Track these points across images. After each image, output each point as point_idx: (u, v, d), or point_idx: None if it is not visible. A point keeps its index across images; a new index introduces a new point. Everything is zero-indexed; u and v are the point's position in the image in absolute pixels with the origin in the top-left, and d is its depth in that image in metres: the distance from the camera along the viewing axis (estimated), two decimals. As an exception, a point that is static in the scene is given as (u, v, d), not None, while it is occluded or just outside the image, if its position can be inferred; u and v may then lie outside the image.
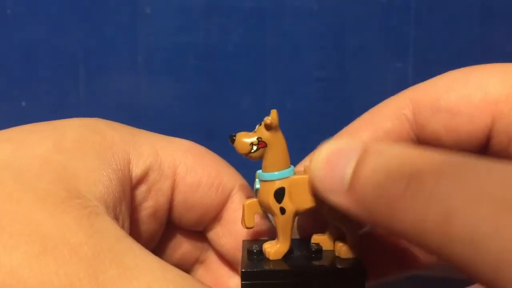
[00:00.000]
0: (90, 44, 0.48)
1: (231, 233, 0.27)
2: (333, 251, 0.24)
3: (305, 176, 0.23)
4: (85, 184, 0.21)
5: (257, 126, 0.23)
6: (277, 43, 0.48)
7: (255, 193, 0.24)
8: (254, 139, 0.23)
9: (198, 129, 0.48)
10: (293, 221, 0.23)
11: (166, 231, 0.27)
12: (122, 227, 0.22)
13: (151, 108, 0.49)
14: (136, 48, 0.48)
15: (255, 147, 0.23)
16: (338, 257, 0.24)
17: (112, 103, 0.49)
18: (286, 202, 0.23)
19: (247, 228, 0.24)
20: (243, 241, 0.25)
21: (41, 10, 0.47)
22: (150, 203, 0.25)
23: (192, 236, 0.28)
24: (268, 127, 0.23)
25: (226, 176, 0.26)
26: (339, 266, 0.23)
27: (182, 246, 0.28)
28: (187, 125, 0.48)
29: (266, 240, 0.25)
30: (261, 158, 0.23)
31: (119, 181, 0.22)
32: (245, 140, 0.23)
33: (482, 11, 0.48)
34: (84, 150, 0.22)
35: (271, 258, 0.23)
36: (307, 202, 0.23)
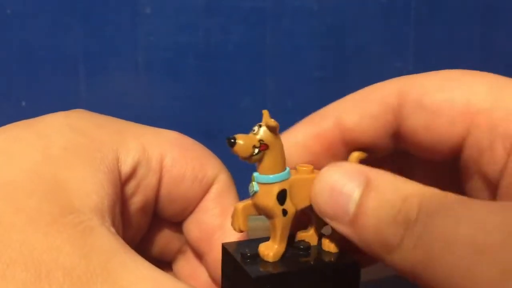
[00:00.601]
0: (90, 44, 0.48)
1: (198, 221, 0.27)
2: (319, 246, 0.24)
3: (303, 177, 0.23)
4: (77, 197, 0.21)
5: (255, 128, 0.23)
6: (277, 43, 0.48)
7: (251, 195, 0.23)
8: (255, 141, 0.22)
9: (198, 129, 0.48)
10: (291, 222, 0.23)
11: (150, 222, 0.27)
12: (117, 229, 0.22)
13: (151, 108, 0.49)
14: (136, 48, 0.48)
15: (257, 150, 0.22)
16: (329, 252, 0.24)
17: (112, 103, 0.49)
18: (288, 204, 0.23)
19: (240, 231, 0.23)
20: (223, 244, 0.25)
21: (41, 10, 0.47)
22: (139, 198, 0.25)
23: (173, 227, 0.28)
24: (273, 129, 0.22)
25: (211, 169, 0.27)
26: (337, 262, 0.23)
27: (165, 237, 0.28)
28: (187, 125, 0.48)
29: (248, 242, 0.24)
30: (259, 160, 0.23)
31: (111, 184, 0.22)
32: (247, 142, 0.22)
33: (482, 11, 0.48)
34: (73, 157, 0.22)
35: (271, 260, 0.23)
36: (304, 201, 0.23)
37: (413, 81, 0.25)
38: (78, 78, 0.48)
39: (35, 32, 0.47)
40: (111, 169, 0.23)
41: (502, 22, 0.49)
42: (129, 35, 0.48)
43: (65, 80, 0.49)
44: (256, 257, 0.23)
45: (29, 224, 0.19)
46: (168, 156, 0.26)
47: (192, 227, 0.27)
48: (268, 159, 0.22)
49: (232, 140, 0.22)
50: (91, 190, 0.21)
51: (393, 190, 0.21)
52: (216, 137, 0.47)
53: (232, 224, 0.23)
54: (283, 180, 0.23)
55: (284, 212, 0.23)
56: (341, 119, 0.26)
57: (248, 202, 0.23)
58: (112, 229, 0.21)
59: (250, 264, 0.23)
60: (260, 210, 0.23)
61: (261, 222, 0.25)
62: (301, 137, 0.26)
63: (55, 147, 0.22)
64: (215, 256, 0.26)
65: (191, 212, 0.27)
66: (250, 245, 0.24)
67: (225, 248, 0.24)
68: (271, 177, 0.23)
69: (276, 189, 0.23)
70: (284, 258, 0.23)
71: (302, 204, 0.23)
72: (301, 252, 0.24)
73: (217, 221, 0.27)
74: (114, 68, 0.48)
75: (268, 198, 0.23)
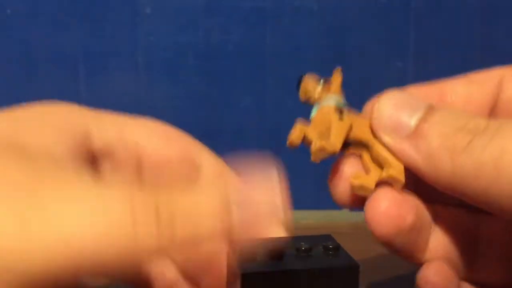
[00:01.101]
0: (90, 44, 0.48)
1: None
2: (321, 249, 0.24)
3: (360, 118, 0.24)
4: (34, 146, 0.20)
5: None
6: (277, 43, 0.48)
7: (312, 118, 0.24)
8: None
9: (198, 129, 0.48)
10: (348, 132, 0.23)
11: None
12: None
13: (151, 108, 0.49)
14: (136, 48, 0.48)
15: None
16: (330, 254, 0.24)
17: (112, 103, 0.49)
18: (345, 115, 0.24)
19: (291, 145, 0.24)
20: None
21: (41, 10, 0.47)
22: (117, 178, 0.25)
23: None
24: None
25: (195, 150, 0.26)
26: (334, 263, 0.23)
27: None
28: (187, 125, 0.48)
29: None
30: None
31: (77, 147, 0.22)
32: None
33: (482, 11, 0.48)
34: (39, 125, 0.22)
35: (312, 150, 0.23)
36: (363, 134, 0.23)
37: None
38: (78, 78, 0.48)
39: (35, 32, 0.47)
40: (78, 138, 0.23)
41: (502, 22, 0.49)
42: (129, 35, 0.48)
43: (65, 80, 0.49)
44: (254, 256, 0.23)
45: None
46: (148, 141, 0.26)
47: None
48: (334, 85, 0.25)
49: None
50: (52, 142, 0.21)
51: (458, 112, 0.22)
52: (216, 137, 0.47)
53: (289, 136, 0.24)
54: (345, 107, 0.24)
55: (341, 117, 0.23)
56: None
57: (307, 123, 0.24)
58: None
59: (245, 262, 0.23)
60: (318, 125, 0.24)
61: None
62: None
63: (21, 117, 0.22)
64: None
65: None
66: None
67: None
68: (332, 99, 0.24)
69: (334, 107, 0.24)
70: (282, 258, 0.23)
71: (361, 134, 0.23)
72: (302, 254, 0.24)
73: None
74: (114, 68, 0.48)
75: (327, 109, 0.24)
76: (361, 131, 0.23)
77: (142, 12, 0.47)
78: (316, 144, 0.23)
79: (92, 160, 0.23)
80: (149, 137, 0.26)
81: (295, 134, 0.23)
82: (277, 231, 0.20)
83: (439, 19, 0.48)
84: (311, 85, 0.23)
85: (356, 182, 0.23)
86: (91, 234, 0.18)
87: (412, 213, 0.22)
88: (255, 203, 0.20)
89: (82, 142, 0.23)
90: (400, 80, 0.48)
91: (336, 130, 0.23)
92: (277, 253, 0.24)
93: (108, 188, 0.19)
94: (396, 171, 0.22)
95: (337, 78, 0.24)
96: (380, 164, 0.23)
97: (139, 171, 0.25)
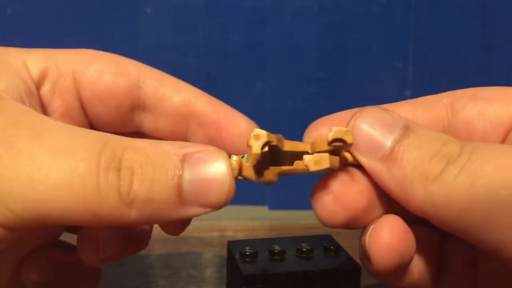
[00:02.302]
0: (90, 44, 0.48)
1: (164, 112, 0.27)
2: (321, 250, 0.24)
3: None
4: None
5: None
6: (277, 43, 0.48)
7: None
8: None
9: (198, 129, 0.48)
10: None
11: None
12: None
13: (151, 108, 0.49)
14: (136, 48, 0.48)
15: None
16: (331, 255, 0.24)
17: (112, 103, 0.49)
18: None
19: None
20: (229, 241, 0.25)
21: (41, 10, 0.47)
22: (58, 103, 0.26)
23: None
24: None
25: (129, 65, 0.27)
26: (336, 265, 0.23)
27: None
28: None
29: (252, 241, 0.24)
30: None
31: (21, 80, 0.23)
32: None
33: (483, 11, 0.48)
34: None
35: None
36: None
37: (460, 90, 0.26)
38: (78, 78, 0.48)
39: (35, 32, 0.47)
40: (18, 69, 0.23)
41: (502, 22, 0.49)
42: (129, 35, 0.48)
43: (65, 80, 0.49)
44: (255, 256, 0.23)
45: None
46: (80, 60, 0.26)
47: (162, 121, 0.27)
48: None
49: None
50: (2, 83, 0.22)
51: (434, 134, 0.21)
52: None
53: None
54: None
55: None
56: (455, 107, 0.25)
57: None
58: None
59: (246, 263, 0.23)
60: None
61: (261, 222, 0.25)
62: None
63: None
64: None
65: (128, 110, 0.27)
66: (252, 244, 0.24)
67: (228, 246, 0.24)
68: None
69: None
70: (283, 259, 0.23)
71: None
72: (303, 255, 0.24)
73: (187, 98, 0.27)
74: (114, 68, 0.48)
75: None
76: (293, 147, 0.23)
77: (142, 12, 0.47)
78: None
79: (33, 92, 0.24)
80: (80, 55, 0.26)
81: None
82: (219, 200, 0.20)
83: (439, 19, 0.48)
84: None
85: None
86: (58, 180, 0.18)
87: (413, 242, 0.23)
88: (206, 169, 0.20)
89: (27, 76, 0.24)
90: (400, 80, 0.48)
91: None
92: (278, 254, 0.24)
93: (78, 137, 0.19)
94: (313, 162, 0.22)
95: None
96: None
97: (78, 91, 0.26)
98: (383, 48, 0.49)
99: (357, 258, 0.24)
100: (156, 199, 0.19)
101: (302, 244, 0.24)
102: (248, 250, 0.23)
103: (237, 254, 0.23)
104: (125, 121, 0.27)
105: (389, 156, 0.21)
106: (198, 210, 0.20)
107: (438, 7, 0.48)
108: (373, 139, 0.22)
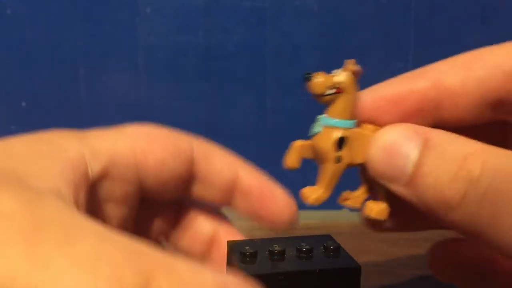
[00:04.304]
0: (90, 44, 0.48)
1: (213, 185, 0.27)
2: (321, 250, 0.24)
3: (366, 132, 0.23)
4: (32, 176, 0.19)
5: (335, 70, 0.23)
6: (277, 43, 0.48)
7: (311, 136, 0.23)
8: (331, 83, 0.22)
9: (198, 129, 0.48)
10: (342, 173, 0.23)
11: (139, 211, 0.27)
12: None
13: (151, 108, 0.49)
14: (136, 48, 0.48)
15: (331, 91, 0.22)
16: (331, 255, 0.24)
17: (112, 103, 0.49)
18: (345, 152, 0.23)
19: (289, 168, 0.23)
20: (228, 241, 0.25)
21: (41, 10, 0.47)
22: (117, 193, 0.25)
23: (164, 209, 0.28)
24: (356, 74, 0.23)
25: (182, 143, 0.26)
26: (336, 265, 0.23)
27: (156, 221, 0.28)
28: (187, 125, 0.48)
29: (251, 241, 0.24)
30: (328, 102, 0.23)
31: (75, 173, 0.21)
32: (323, 81, 0.22)
33: (482, 11, 0.48)
34: (35, 155, 0.21)
35: (310, 202, 0.23)
36: (359, 157, 0.23)
37: None
38: (78, 78, 0.48)
39: (35, 32, 0.47)
40: (74, 165, 0.22)
41: (502, 22, 0.49)
42: (129, 35, 0.48)
43: (65, 80, 0.49)
44: (254, 256, 0.23)
45: None
46: (140, 149, 0.25)
47: (209, 190, 0.27)
48: (339, 104, 0.23)
49: (308, 75, 0.22)
50: (51, 175, 0.20)
51: (453, 149, 0.20)
52: (216, 137, 0.47)
53: (284, 159, 0.23)
54: (346, 128, 0.23)
55: (338, 159, 0.23)
56: (441, 80, 0.25)
57: (306, 142, 0.23)
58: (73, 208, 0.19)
59: (246, 263, 0.23)
60: (316, 152, 0.23)
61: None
62: (392, 91, 0.25)
63: (15, 148, 0.21)
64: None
65: (183, 185, 0.27)
66: (252, 244, 0.24)
67: (228, 246, 0.24)
68: (336, 121, 0.23)
69: (337, 134, 0.23)
70: (283, 258, 0.23)
71: (357, 159, 0.23)
72: (303, 255, 0.24)
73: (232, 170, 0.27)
74: (114, 68, 0.48)
75: (327, 141, 0.23)
76: (357, 157, 0.23)
77: (142, 12, 0.47)
78: (311, 197, 0.23)
79: (90, 183, 0.23)
80: (139, 142, 0.25)
81: (291, 158, 0.23)
82: None
83: (439, 19, 0.48)
84: (323, 83, 0.22)
85: (345, 203, 0.24)
86: None
87: None
88: None
89: (79, 168, 0.22)
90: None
91: (329, 177, 0.23)
92: (277, 254, 0.24)
93: (107, 247, 0.16)
94: (375, 212, 0.23)
95: (348, 77, 0.23)
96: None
97: (140, 179, 0.25)
98: (383, 48, 0.49)
99: (357, 258, 0.24)
100: None
101: (302, 244, 0.24)
102: (247, 250, 0.23)
103: (237, 254, 0.24)
104: (176, 192, 0.27)
105: (411, 182, 0.21)
106: None
107: (438, 7, 0.48)
108: (393, 169, 0.21)
